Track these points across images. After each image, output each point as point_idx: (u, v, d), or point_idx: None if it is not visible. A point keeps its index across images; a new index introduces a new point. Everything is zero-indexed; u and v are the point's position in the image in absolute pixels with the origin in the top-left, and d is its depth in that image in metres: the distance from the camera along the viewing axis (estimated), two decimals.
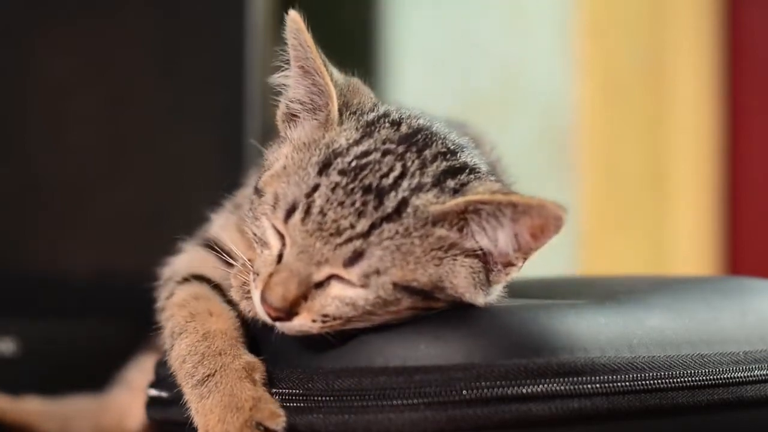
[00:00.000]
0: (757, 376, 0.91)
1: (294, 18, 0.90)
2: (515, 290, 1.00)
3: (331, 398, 0.85)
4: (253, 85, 1.58)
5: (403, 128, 0.90)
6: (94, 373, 1.29)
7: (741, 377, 0.90)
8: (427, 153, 0.88)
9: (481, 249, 0.86)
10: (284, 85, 0.93)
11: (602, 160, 2.20)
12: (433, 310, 0.86)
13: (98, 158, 1.56)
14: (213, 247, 0.98)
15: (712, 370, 0.89)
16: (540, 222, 0.84)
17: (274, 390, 0.87)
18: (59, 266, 1.55)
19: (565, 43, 2.18)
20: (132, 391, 1.24)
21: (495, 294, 0.89)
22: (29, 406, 1.30)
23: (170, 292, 0.97)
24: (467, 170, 0.88)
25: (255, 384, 0.86)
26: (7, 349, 1.50)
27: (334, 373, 0.85)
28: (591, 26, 2.18)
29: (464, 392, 0.82)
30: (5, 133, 1.56)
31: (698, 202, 2.28)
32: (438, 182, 0.86)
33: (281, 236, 0.86)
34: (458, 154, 0.89)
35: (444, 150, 0.89)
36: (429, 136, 0.90)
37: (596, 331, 0.87)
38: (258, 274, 0.86)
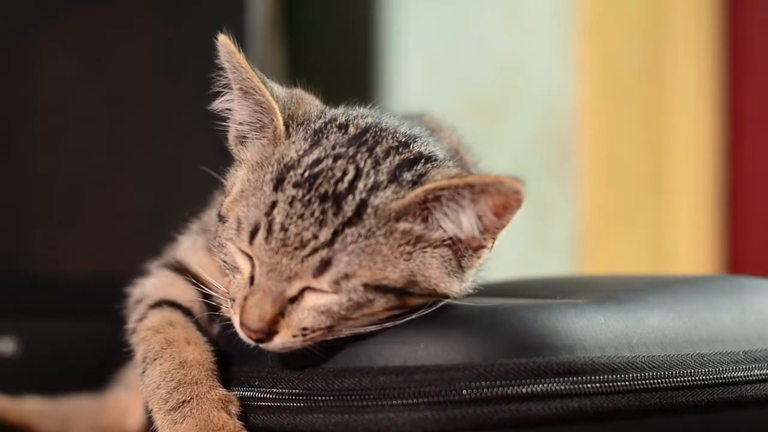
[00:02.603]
0: (757, 375, 0.91)
1: (224, 42, 0.90)
2: (515, 290, 1.00)
3: (332, 398, 0.85)
4: None
5: (351, 130, 0.90)
6: (94, 373, 1.29)
7: (741, 377, 0.90)
8: (379, 150, 0.88)
9: (449, 237, 0.86)
10: (228, 109, 0.93)
11: (602, 159, 2.20)
12: (411, 308, 0.85)
13: (98, 158, 1.56)
14: (181, 270, 0.98)
15: (712, 370, 0.89)
16: (500, 199, 0.83)
17: (275, 390, 0.87)
18: (59, 266, 1.55)
19: (565, 43, 2.18)
20: (132, 391, 1.24)
21: (470, 280, 0.89)
22: (29, 406, 1.30)
23: (142, 314, 0.97)
24: (422, 160, 0.88)
25: (231, 416, 0.87)
26: (7, 349, 1.50)
27: (334, 372, 0.85)
28: (591, 26, 2.18)
29: (464, 392, 0.82)
30: (5, 133, 1.56)
31: (698, 201, 2.28)
32: (394, 177, 0.86)
33: (250, 258, 0.86)
34: (411, 146, 0.89)
35: (395, 144, 0.89)
36: (378, 132, 0.90)
37: (596, 331, 0.87)
38: (234, 300, 0.86)
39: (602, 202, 2.19)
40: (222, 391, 0.89)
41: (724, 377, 0.89)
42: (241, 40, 1.58)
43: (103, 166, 1.56)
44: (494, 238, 0.87)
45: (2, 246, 1.55)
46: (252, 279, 0.85)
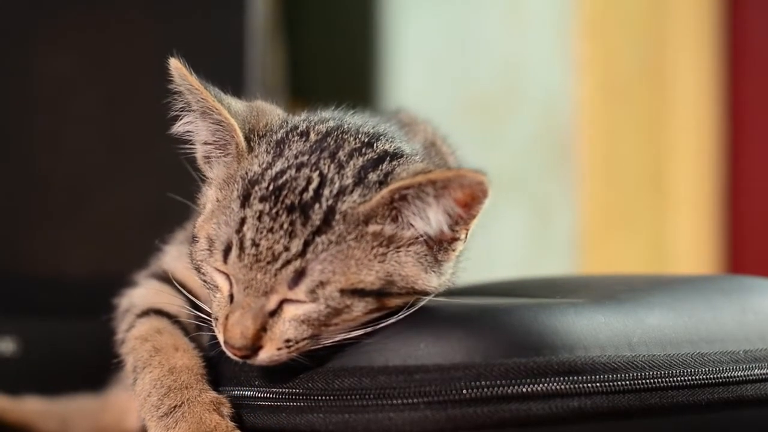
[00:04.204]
0: (757, 375, 0.91)
1: (175, 65, 0.90)
2: (515, 290, 1.00)
3: (332, 397, 0.85)
4: (254, 84, 1.58)
5: (312, 136, 0.89)
6: (94, 373, 1.29)
7: (741, 376, 0.90)
8: (341, 154, 0.87)
9: (421, 234, 0.85)
10: (189, 132, 0.92)
11: (602, 159, 2.20)
12: (392, 310, 0.85)
13: (98, 158, 1.56)
14: (168, 279, 0.98)
15: (712, 369, 0.89)
16: (465, 192, 0.83)
17: (275, 389, 0.87)
18: (59, 266, 1.55)
19: (565, 43, 2.18)
20: None
21: (449, 272, 0.89)
22: (29, 406, 1.30)
23: (130, 324, 0.97)
24: (388, 158, 0.88)
25: (223, 417, 0.87)
26: (7, 349, 1.50)
27: (334, 372, 0.85)
28: (591, 26, 2.18)
29: (464, 391, 0.82)
30: (5, 133, 1.56)
31: (698, 201, 2.28)
32: (360, 180, 0.85)
33: (227, 276, 0.86)
34: (374, 145, 0.89)
35: (358, 145, 0.88)
36: (339, 136, 0.89)
37: (596, 330, 0.87)
38: (217, 319, 0.86)
39: (602, 203, 2.20)
40: (213, 393, 0.89)
41: (724, 377, 0.89)
42: (241, 40, 1.59)
43: (103, 165, 1.56)
44: (467, 229, 0.86)
45: (2, 246, 1.55)
46: (232, 297, 0.85)
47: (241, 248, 0.83)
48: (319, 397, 0.85)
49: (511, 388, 0.82)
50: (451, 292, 0.93)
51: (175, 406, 0.87)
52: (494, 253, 2.13)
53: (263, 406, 0.87)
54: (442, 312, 0.86)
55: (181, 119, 0.92)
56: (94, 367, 1.28)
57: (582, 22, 2.18)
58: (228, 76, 1.58)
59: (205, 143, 0.92)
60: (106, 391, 1.30)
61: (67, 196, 1.55)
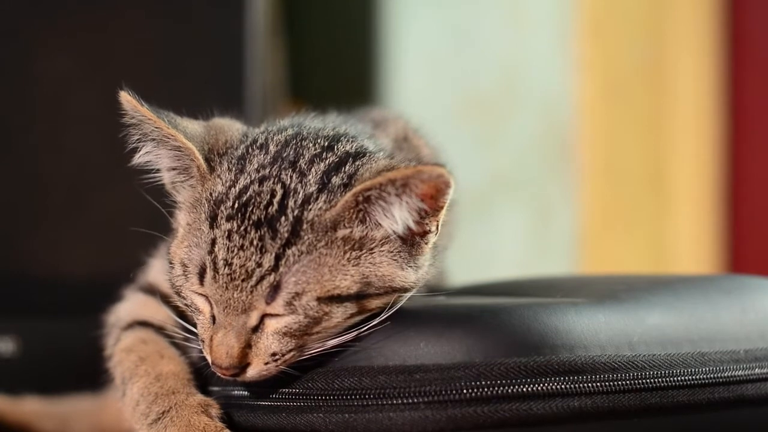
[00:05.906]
0: (758, 374, 0.91)
1: (125, 98, 0.89)
2: (516, 289, 1.00)
3: (332, 397, 0.85)
4: (254, 84, 1.58)
5: (271, 148, 0.89)
6: (94, 373, 1.29)
7: (741, 375, 0.90)
8: (302, 162, 0.87)
9: (390, 232, 0.85)
10: (150, 161, 0.92)
11: (602, 159, 2.20)
12: (373, 312, 0.85)
13: (98, 158, 1.56)
14: (154, 291, 0.99)
15: (713, 369, 0.89)
16: (428, 185, 0.83)
17: (274, 389, 0.87)
18: (59, 266, 1.55)
19: (565, 43, 2.18)
20: None
21: (426, 264, 0.88)
22: (29, 406, 1.30)
23: (116, 338, 0.97)
24: (350, 159, 0.87)
25: (212, 418, 0.87)
26: (6, 349, 1.50)
27: (334, 372, 0.85)
28: (591, 26, 2.18)
29: (465, 391, 0.82)
30: (5, 133, 1.56)
31: (699, 200, 2.28)
32: (323, 185, 0.85)
33: (207, 298, 0.86)
34: (335, 147, 0.88)
35: (318, 150, 0.88)
36: (298, 143, 0.89)
37: (596, 330, 0.87)
38: (203, 341, 0.87)
39: (602, 203, 2.20)
40: (200, 396, 0.89)
41: (724, 376, 0.89)
42: (241, 40, 1.59)
43: (103, 166, 1.56)
44: (437, 221, 0.86)
45: (2, 246, 1.55)
46: (214, 318, 0.85)
47: (215, 269, 0.83)
48: (319, 397, 0.85)
49: (511, 387, 0.82)
50: (451, 292, 0.93)
51: (163, 412, 0.88)
52: (494, 253, 2.13)
53: (263, 405, 0.87)
54: (442, 312, 0.86)
55: (141, 150, 0.91)
56: (94, 367, 1.28)
57: (582, 22, 2.18)
58: (228, 76, 1.59)
59: (170, 169, 0.92)
60: (105, 391, 1.30)
61: (67, 196, 1.55)
